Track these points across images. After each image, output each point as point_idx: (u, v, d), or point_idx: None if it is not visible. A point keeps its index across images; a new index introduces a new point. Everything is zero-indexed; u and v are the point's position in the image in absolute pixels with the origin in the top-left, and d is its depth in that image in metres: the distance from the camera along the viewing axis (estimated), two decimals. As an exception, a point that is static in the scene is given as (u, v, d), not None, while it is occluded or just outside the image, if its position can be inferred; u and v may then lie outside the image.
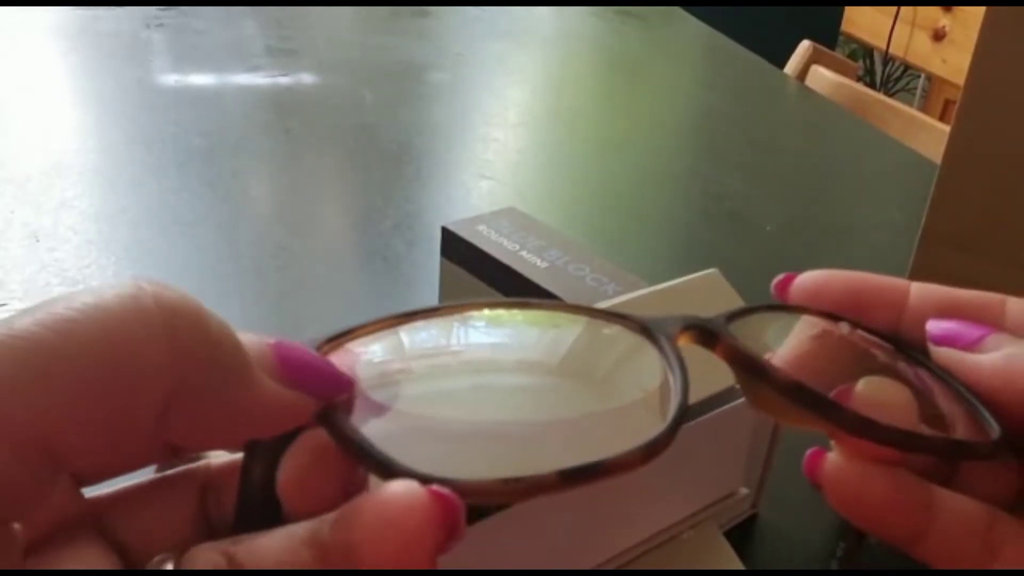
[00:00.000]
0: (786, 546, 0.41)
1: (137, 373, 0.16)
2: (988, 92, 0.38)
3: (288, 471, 0.19)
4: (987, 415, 0.23)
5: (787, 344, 0.24)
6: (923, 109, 2.12)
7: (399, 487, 0.17)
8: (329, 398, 0.19)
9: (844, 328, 0.25)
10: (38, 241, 0.60)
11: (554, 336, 0.22)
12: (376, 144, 0.83)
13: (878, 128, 1.05)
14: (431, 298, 0.51)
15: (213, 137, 0.80)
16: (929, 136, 1.04)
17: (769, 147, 0.95)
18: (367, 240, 0.67)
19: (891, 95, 2.26)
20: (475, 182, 0.77)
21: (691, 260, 0.68)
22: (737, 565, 0.37)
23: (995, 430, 0.22)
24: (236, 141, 0.81)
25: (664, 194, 0.83)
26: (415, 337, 0.22)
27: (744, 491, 0.41)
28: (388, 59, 1.06)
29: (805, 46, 1.30)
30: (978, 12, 0.40)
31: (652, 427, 0.19)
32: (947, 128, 0.44)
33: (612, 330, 0.22)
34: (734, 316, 0.23)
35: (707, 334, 0.23)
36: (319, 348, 0.20)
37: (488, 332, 0.22)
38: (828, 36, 2.18)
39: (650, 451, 0.19)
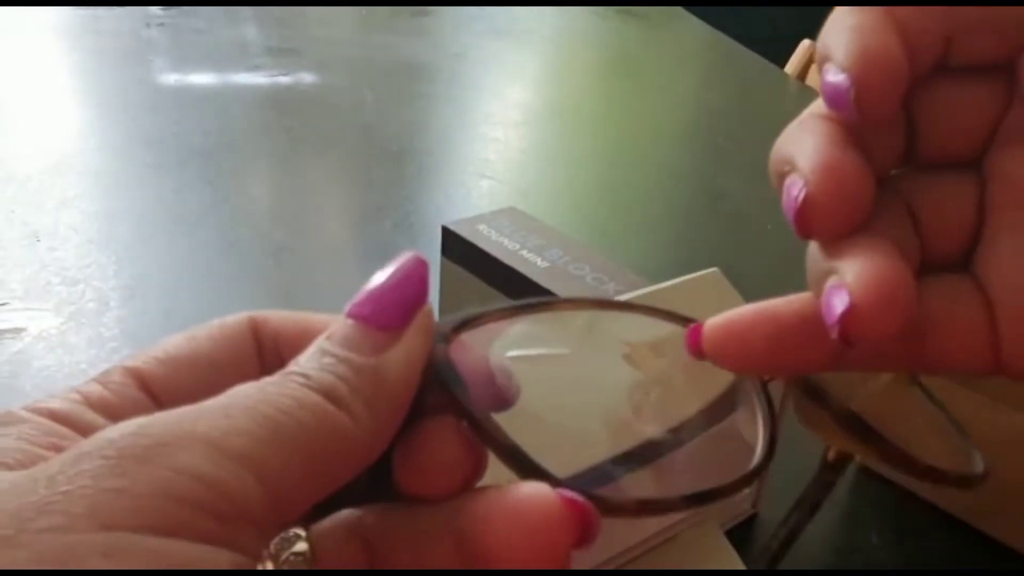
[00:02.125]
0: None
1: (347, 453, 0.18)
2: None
3: (409, 453, 0.19)
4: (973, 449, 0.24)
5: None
6: (923, 109, 2.11)
7: (532, 492, 0.17)
8: (420, 303, 0.19)
9: None
10: (39, 240, 0.60)
11: (655, 343, 0.24)
12: (376, 143, 0.83)
13: (878, 128, 1.04)
14: (431, 298, 0.51)
15: (213, 136, 0.80)
16: (930, 136, 1.04)
17: (770, 146, 0.95)
18: (367, 239, 0.67)
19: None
20: (475, 181, 0.77)
21: (692, 259, 0.68)
22: (738, 565, 0.37)
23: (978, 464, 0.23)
24: (237, 140, 0.81)
25: (665, 193, 0.83)
26: (537, 330, 0.22)
27: (744, 491, 0.41)
28: (388, 58, 1.06)
29: (805, 45, 1.30)
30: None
31: (745, 450, 0.21)
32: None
33: None
34: None
35: None
36: (447, 338, 0.20)
37: (601, 333, 0.23)
38: (828, 35, 2.17)
39: (752, 478, 0.21)
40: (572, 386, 0.22)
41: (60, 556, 0.14)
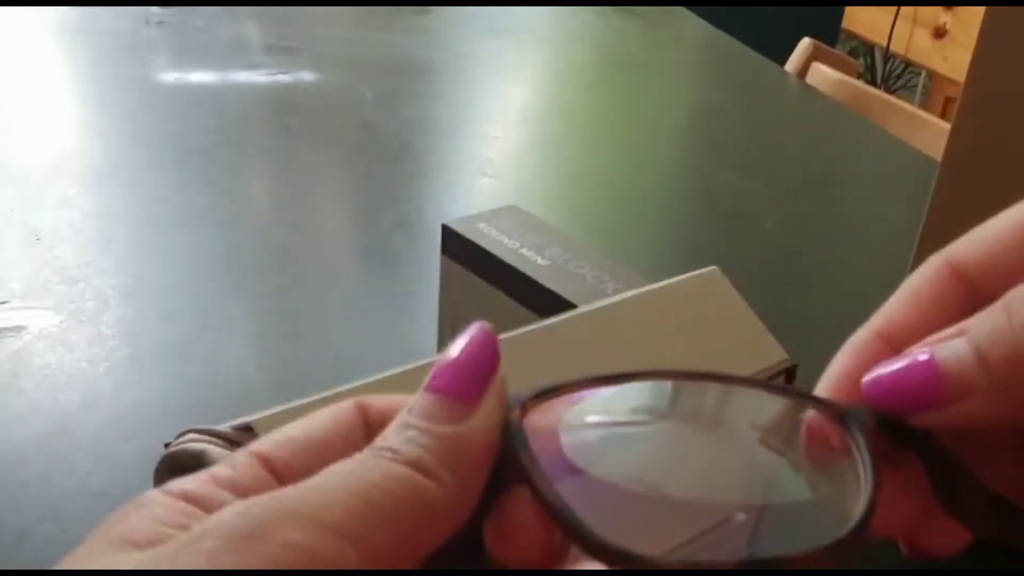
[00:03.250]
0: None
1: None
2: (988, 90, 0.38)
3: (493, 523, 0.20)
4: None
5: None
6: (924, 106, 2.11)
7: None
8: (493, 371, 0.20)
9: None
10: (39, 239, 0.60)
11: (749, 416, 0.23)
12: (376, 142, 0.83)
13: (879, 125, 1.04)
14: (432, 296, 0.51)
15: (213, 135, 0.80)
16: (930, 133, 1.04)
17: (770, 144, 0.95)
18: (368, 238, 0.67)
19: (892, 92, 2.26)
20: (475, 180, 0.77)
21: (691, 257, 0.68)
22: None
23: None
24: (236, 139, 0.81)
25: (664, 192, 0.83)
26: (618, 402, 0.22)
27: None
28: (388, 57, 1.06)
29: (806, 43, 1.30)
30: (979, 9, 0.40)
31: (833, 524, 0.19)
32: (948, 125, 0.43)
33: (807, 414, 0.22)
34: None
35: (906, 436, 0.22)
36: (524, 405, 0.21)
37: (687, 405, 0.23)
38: (829, 33, 2.18)
39: (832, 554, 0.19)
40: (652, 460, 0.22)
41: None
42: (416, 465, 0.19)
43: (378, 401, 0.23)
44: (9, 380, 0.47)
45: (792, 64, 1.30)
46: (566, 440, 0.21)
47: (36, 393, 0.46)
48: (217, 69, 0.97)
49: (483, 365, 0.21)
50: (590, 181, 0.83)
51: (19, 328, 0.51)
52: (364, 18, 1.21)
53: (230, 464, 0.21)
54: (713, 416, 0.23)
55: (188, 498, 0.20)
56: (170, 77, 0.93)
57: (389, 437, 0.20)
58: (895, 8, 2.15)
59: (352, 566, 0.17)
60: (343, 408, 0.23)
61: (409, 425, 0.20)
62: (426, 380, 0.21)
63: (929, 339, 0.22)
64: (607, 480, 0.21)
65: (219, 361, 0.51)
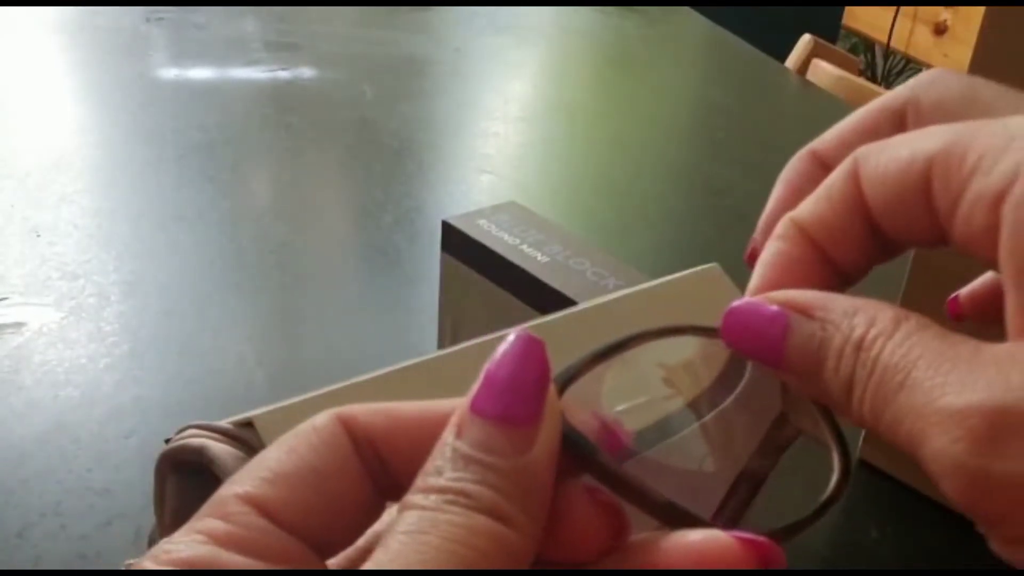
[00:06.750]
0: (787, 542, 0.41)
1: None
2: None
3: (551, 526, 0.19)
4: None
5: None
6: (924, 103, 2.11)
7: (710, 537, 0.18)
8: (546, 386, 0.19)
9: None
10: (39, 236, 0.60)
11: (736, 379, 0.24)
12: (376, 139, 0.83)
13: (879, 122, 1.04)
14: (432, 293, 0.51)
15: (213, 132, 0.80)
16: (930, 130, 1.03)
17: (770, 141, 0.95)
18: (368, 235, 0.67)
19: (892, 89, 2.26)
20: (475, 176, 0.77)
21: (692, 255, 0.68)
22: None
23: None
24: (236, 136, 0.81)
25: (665, 188, 0.83)
26: (630, 372, 0.22)
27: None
28: (388, 53, 1.06)
29: (806, 40, 1.30)
30: (979, 7, 0.40)
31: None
32: (948, 122, 0.43)
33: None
34: None
35: None
36: (562, 390, 0.20)
37: (693, 363, 0.24)
38: (829, 30, 2.17)
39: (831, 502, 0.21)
40: (675, 424, 0.23)
41: None
42: (495, 513, 0.17)
43: (361, 413, 0.21)
44: (9, 376, 0.47)
45: (792, 61, 1.30)
46: (608, 423, 0.21)
47: (36, 389, 0.46)
48: (217, 66, 0.97)
49: (536, 380, 0.19)
50: (590, 178, 0.82)
51: (19, 324, 0.51)
52: (364, 15, 1.21)
53: (220, 515, 0.19)
54: (716, 378, 0.24)
55: (196, 567, 0.18)
56: (170, 74, 0.93)
57: (452, 475, 0.18)
58: (895, 6, 2.15)
59: None
60: (326, 428, 0.21)
61: (471, 459, 0.18)
62: (470, 398, 0.19)
63: None
64: (648, 457, 0.21)
65: (219, 358, 0.51)
